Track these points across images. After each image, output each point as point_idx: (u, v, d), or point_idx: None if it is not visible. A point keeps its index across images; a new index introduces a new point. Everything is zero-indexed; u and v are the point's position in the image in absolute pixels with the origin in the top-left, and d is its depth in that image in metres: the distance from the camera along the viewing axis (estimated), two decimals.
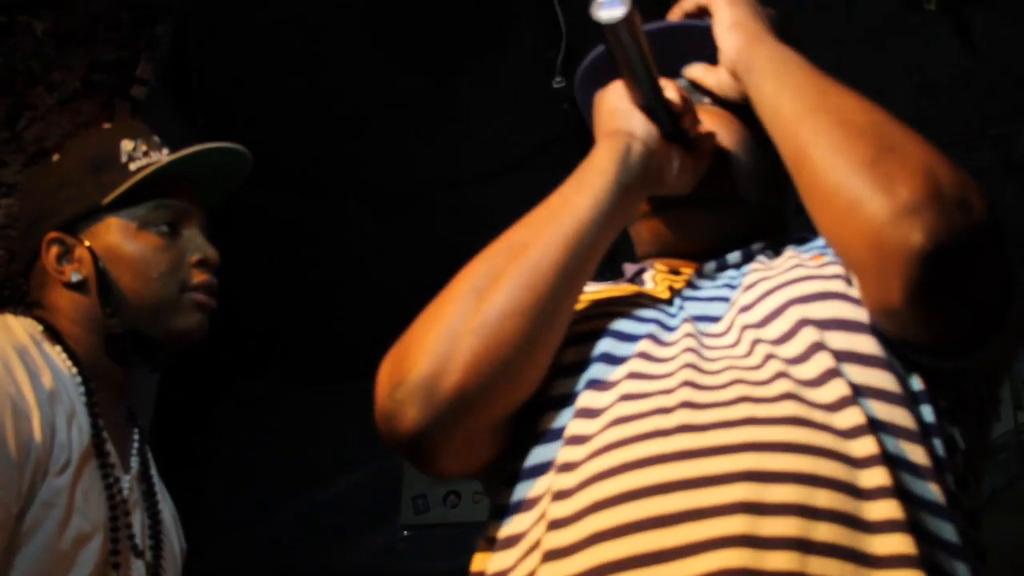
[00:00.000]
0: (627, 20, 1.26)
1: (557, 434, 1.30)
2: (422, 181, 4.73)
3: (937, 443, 1.22)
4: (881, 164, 1.19)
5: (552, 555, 1.16)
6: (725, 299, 1.42)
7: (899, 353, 1.25)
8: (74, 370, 1.82)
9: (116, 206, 1.93)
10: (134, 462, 1.95)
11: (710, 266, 1.51)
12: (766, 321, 1.31)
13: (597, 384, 1.31)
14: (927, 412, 1.24)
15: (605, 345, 1.35)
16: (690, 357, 1.29)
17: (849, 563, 1.07)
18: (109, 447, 1.83)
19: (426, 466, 1.36)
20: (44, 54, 3.60)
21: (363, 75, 4.15)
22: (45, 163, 2.06)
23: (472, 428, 1.30)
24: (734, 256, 1.51)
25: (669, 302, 1.45)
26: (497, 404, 1.29)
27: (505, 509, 1.31)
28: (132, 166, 1.96)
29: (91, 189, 1.94)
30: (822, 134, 1.27)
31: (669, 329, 1.38)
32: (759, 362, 1.26)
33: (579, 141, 4.22)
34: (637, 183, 1.40)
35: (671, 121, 1.43)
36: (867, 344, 1.25)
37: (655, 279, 1.55)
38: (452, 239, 5.11)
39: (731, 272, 1.50)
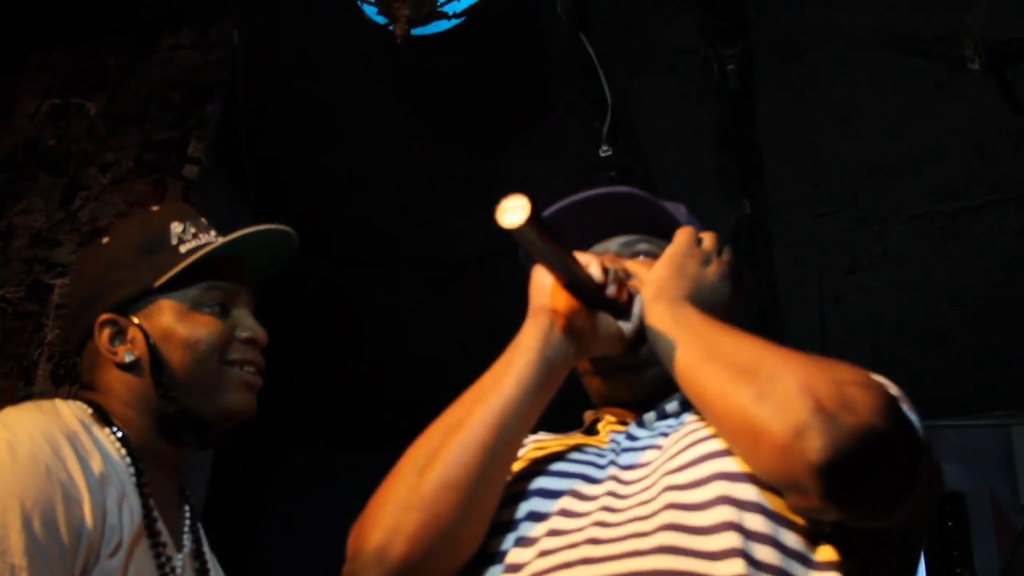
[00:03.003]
0: (527, 224, 1.36)
1: None
2: (471, 251, 4.75)
3: None
4: (767, 396, 1.33)
5: None
6: (658, 447, 1.57)
7: (805, 528, 1.40)
8: (123, 452, 1.83)
9: (167, 288, 1.96)
10: (186, 540, 1.96)
11: (650, 416, 1.67)
12: (688, 487, 1.44)
13: (522, 541, 1.50)
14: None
15: (532, 504, 1.54)
16: (600, 515, 1.47)
17: None
18: (160, 527, 1.84)
19: None
20: (97, 135, 3.66)
21: (411, 149, 4.19)
22: (95, 245, 2.08)
23: None
24: (672, 405, 1.67)
25: (603, 453, 1.62)
26: (440, 569, 1.47)
27: None
28: (182, 248, 1.99)
29: (143, 271, 1.97)
30: (714, 380, 1.42)
31: (594, 481, 1.55)
32: (655, 510, 1.43)
33: None
34: (560, 356, 1.55)
35: (596, 293, 1.56)
36: (759, 523, 1.39)
37: (603, 429, 1.72)
38: (501, 309, 5.13)
39: (670, 421, 1.65)
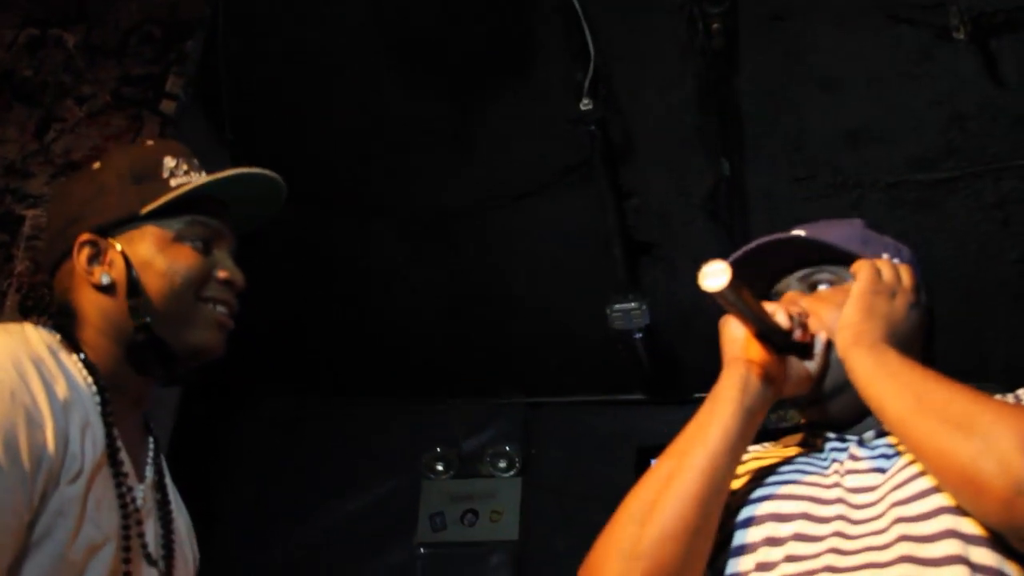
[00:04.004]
0: (728, 287, 1.52)
1: None
2: (448, 202, 4.74)
3: None
4: (987, 453, 1.42)
5: None
6: (881, 470, 1.69)
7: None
8: (90, 380, 1.83)
9: (152, 216, 1.96)
10: (149, 471, 1.97)
11: (869, 434, 1.77)
12: (917, 520, 1.56)
13: (763, 567, 1.64)
14: None
15: (767, 529, 1.68)
16: (835, 541, 1.61)
17: None
18: (123, 456, 1.84)
19: None
20: (75, 67, 3.62)
21: (391, 94, 4.17)
22: (84, 170, 2.08)
23: None
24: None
25: (826, 472, 1.75)
26: None
27: None
28: (172, 182, 1.99)
29: (131, 198, 1.97)
30: (931, 435, 1.51)
31: (824, 503, 1.69)
32: (888, 541, 1.56)
33: (605, 164, 4.23)
34: (758, 403, 1.71)
35: (783, 339, 1.72)
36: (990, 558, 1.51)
37: (819, 442, 1.84)
38: (477, 260, 5.13)
39: (890, 438, 1.74)
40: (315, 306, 5.45)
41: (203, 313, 1.97)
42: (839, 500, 1.68)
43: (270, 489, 6.09)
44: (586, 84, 3.78)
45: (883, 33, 3.72)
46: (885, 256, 1.89)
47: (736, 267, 1.70)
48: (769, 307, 1.73)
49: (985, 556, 1.49)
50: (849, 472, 1.72)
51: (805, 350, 1.76)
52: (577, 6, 3.61)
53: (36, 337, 1.82)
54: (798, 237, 1.87)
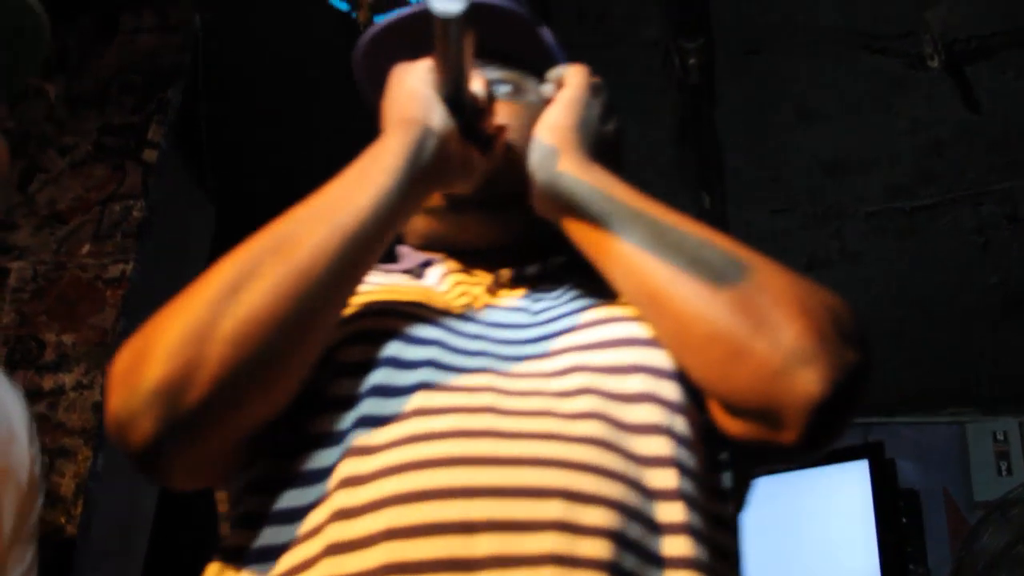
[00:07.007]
0: (464, 17, 1.16)
1: (339, 438, 1.13)
2: None
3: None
4: (755, 307, 1.10)
5: (338, 548, 1.03)
6: (524, 310, 1.30)
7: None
8: None
9: None
10: None
11: (504, 275, 1.36)
12: (595, 348, 1.20)
13: (384, 390, 1.14)
14: (727, 479, 1.21)
15: (393, 349, 1.18)
16: (489, 362, 1.18)
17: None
18: None
19: (159, 480, 1.16)
20: (57, 118, 3.63)
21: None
22: None
23: (216, 444, 1.11)
24: (532, 269, 1.38)
25: (462, 314, 1.29)
26: (248, 420, 1.11)
27: (264, 517, 1.12)
28: None
29: None
30: (678, 277, 1.15)
31: (462, 337, 1.24)
32: (571, 389, 1.15)
33: None
34: (424, 182, 1.25)
35: (472, 118, 1.30)
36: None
37: (447, 279, 1.39)
38: None
39: (539, 291, 1.35)
40: None
41: None
42: (478, 336, 1.24)
43: None
44: None
45: (858, 63, 3.75)
46: None
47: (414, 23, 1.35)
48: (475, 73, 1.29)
49: (686, 429, 1.14)
50: (489, 307, 1.31)
51: (487, 144, 1.32)
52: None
53: None
54: (501, 4, 1.43)
